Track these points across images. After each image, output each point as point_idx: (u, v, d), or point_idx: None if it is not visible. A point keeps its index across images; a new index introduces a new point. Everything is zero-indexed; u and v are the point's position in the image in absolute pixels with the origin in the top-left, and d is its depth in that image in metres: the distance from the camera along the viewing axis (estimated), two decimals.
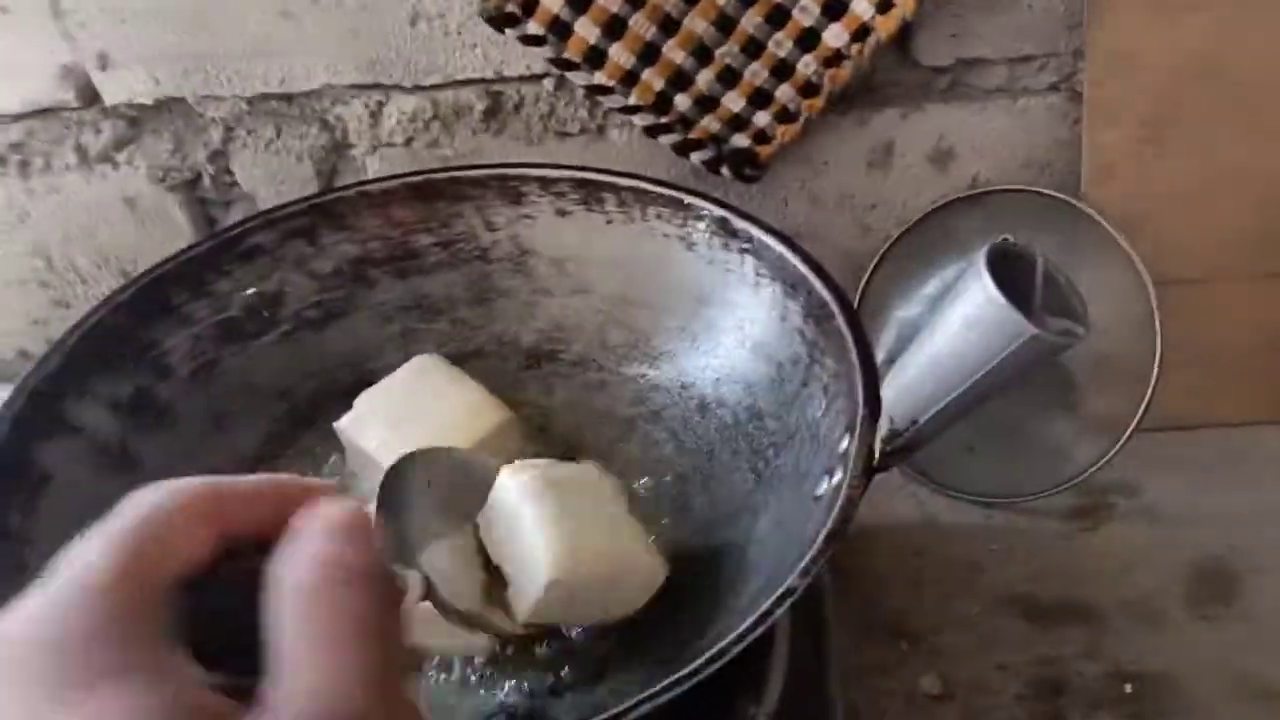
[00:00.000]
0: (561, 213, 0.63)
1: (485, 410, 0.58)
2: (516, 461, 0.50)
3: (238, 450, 0.61)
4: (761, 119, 0.71)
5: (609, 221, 0.62)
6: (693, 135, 0.72)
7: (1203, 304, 0.74)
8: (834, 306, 0.52)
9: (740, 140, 0.72)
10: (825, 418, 0.51)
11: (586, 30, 0.67)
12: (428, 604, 0.36)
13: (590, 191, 0.62)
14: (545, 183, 0.62)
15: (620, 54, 0.68)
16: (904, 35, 0.70)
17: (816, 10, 0.67)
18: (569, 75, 0.70)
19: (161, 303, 0.60)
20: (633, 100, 0.70)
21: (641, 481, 0.59)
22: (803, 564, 0.42)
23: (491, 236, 0.64)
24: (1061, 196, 0.73)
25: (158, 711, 0.25)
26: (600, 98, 0.71)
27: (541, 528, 0.47)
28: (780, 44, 0.68)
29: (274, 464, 0.61)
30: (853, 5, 0.67)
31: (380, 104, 0.76)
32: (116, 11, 0.72)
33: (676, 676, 0.39)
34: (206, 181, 0.80)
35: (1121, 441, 0.72)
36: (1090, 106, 0.71)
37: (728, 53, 0.69)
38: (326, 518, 0.29)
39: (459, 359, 0.63)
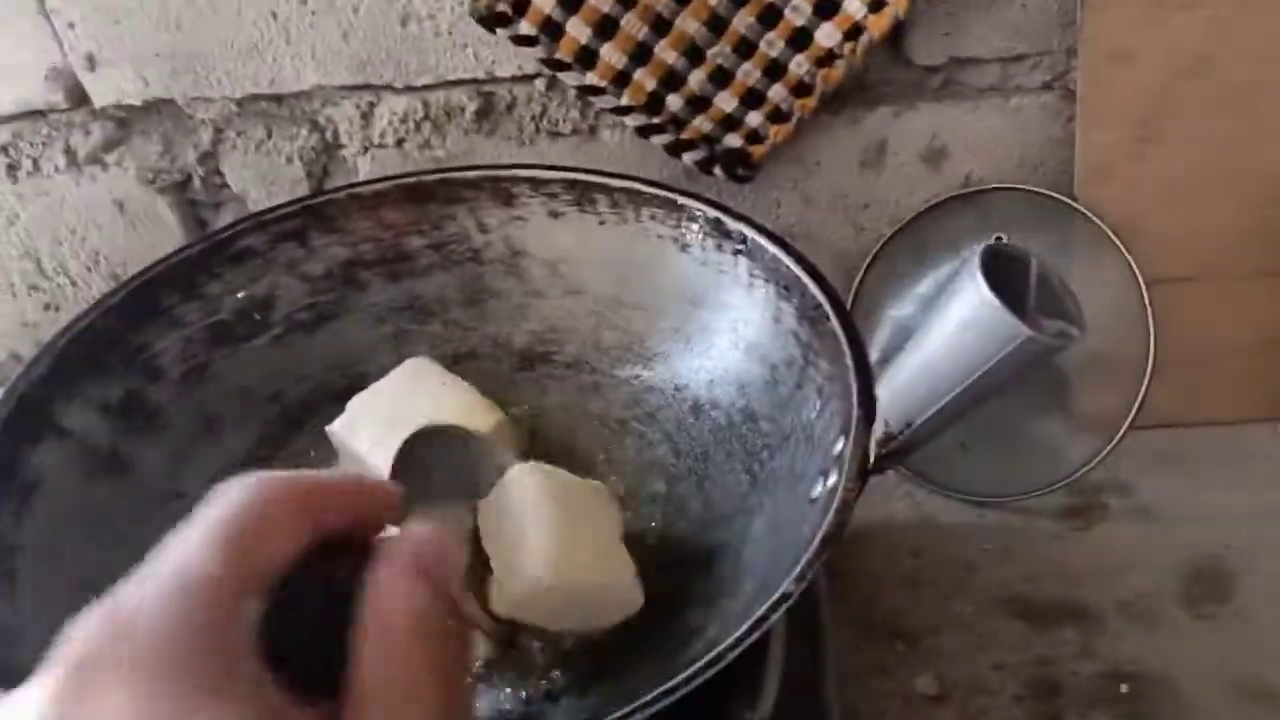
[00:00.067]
0: (554, 214, 0.62)
1: (478, 413, 0.58)
2: (532, 461, 0.51)
3: (229, 453, 0.60)
4: (754, 119, 0.71)
5: (602, 223, 0.61)
6: (685, 135, 0.72)
7: (1196, 303, 0.74)
8: (828, 308, 0.52)
9: (733, 140, 0.72)
10: (820, 419, 0.51)
11: (578, 30, 0.67)
12: None
13: (583, 193, 0.61)
14: (537, 184, 0.62)
15: (612, 54, 0.68)
16: (896, 34, 0.70)
17: (808, 9, 0.67)
18: (561, 75, 0.70)
19: (152, 305, 0.60)
20: (625, 101, 0.70)
21: (636, 482, 0.59)
22: (798, 568, 0.42)
23: (484, 238, 0.64)
24: (1055, 195, 0.73)
25: None
26: (592, 98, 0.71)
27: (542, 530, 0.48)
28: (772, 44, 0.68)
29: (265, 467, 0.60)
30: (845, 4, 0.67)
31: (371, 105, 0.75)
32: (105, 12, 0.71)
33: (672, 683, 0.39)
34: (196, 183, 0.80)
35: (1115, 440, 0.72)
36: (1083, 105, 0.71)
37: (719, 53, 0.68)
38: (419, 555, 0.29)
39: (452, 361, 0.62)
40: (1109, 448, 0.72)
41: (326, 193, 0.64)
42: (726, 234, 0.58)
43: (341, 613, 0.27)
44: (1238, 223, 0.72)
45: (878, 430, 0.47)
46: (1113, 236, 0.71)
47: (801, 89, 0.70)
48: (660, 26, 0.67)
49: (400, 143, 0.77)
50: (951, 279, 0.63)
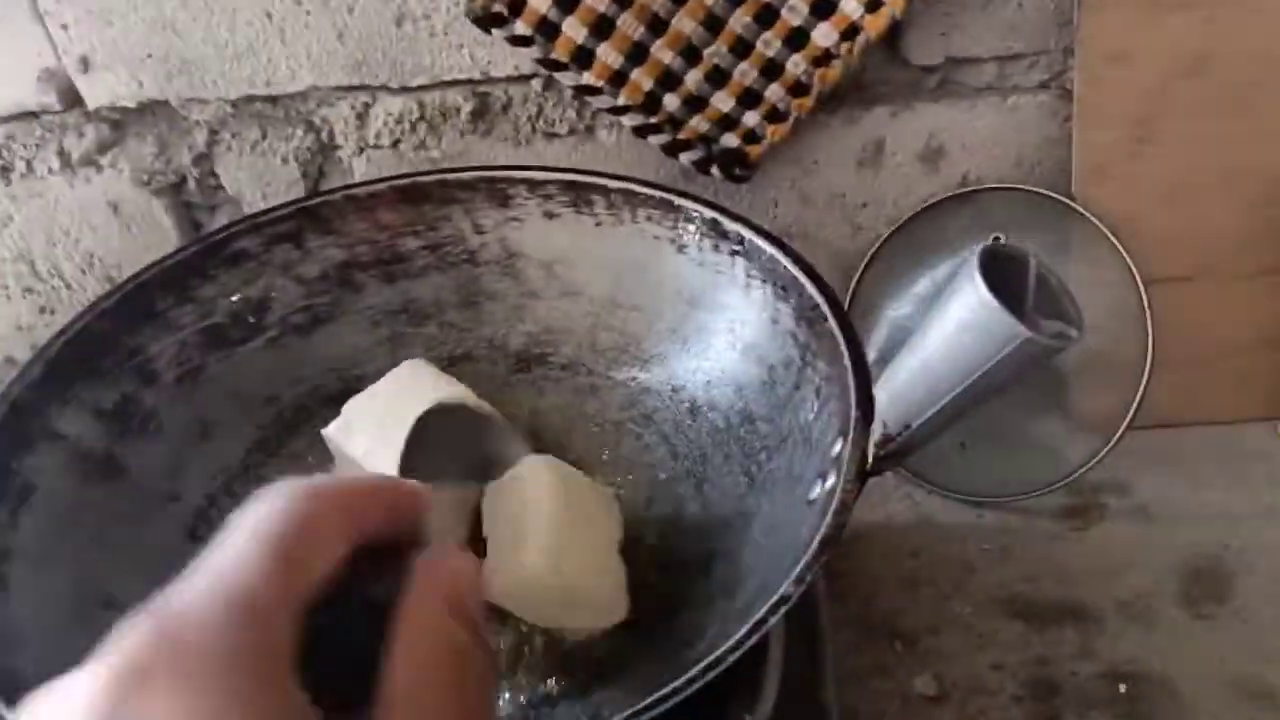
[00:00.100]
0: (550, 215, 0.62)
1: None
2: (549, 456, 0.52)
3: (224, 457, 0.60)
4: (751, 119, 0.71)
5: (598, 224, 0.61)
6: (682, 135, 0.71)
7: (1194, 302, 0.74)
8: (826, 309, 0.52)
9: (730, 140, 0.72)
10: (818, 421, 0.51)
11: (574, 30, 0.67)
12: None
13: (579, 193, 0.61)
14: (533, 185, 0.62)
15: (608, 54, 0.68)
16: (893, 34, 0.70)
17: (805, 9, 0.67)
18: (557, 76, 0.69)
19: (146, 309, 0.60)
20: (621, 100, 0.69)
21: (633, 484, 0.59)
22: (797, 570, 0.42)
23: (480, 239, 0.63)
24: (1052, 195, 0.73)
25: None
26: (589, 98, 0.71)
27: (545, 523, 0.48)
28: (769, 43, 0.68)
29: (261, 471, 0.61)
30: (842, 4, 0.66)
31: (366, 105, 0.75)
32: (98, 14, 0.71)
33: (671, 687, 0.39)
34: (191, 185, 0.79)
35: (1113, 440, 0.72)
36: (1080, 105, 0.71)
37: (716, 52, 0.68)
38: (455, 584, 0.29)
39: (447, 363, 0.62)
40: (1107, 448, 0.72)
41: (321, 194, 0.64)
42: (724, 234, 0.58)
43: (376, 627, 0.27)
44: (1236, 222, 0.72)
45: (876, 431, 0.47)
46: (1111, 236, 0.71)
47: (798, 89, 0.69)
48: (657, 26, 0.67)
49: (396, 143, 0.76)
50: (950, 279, 0.63)
